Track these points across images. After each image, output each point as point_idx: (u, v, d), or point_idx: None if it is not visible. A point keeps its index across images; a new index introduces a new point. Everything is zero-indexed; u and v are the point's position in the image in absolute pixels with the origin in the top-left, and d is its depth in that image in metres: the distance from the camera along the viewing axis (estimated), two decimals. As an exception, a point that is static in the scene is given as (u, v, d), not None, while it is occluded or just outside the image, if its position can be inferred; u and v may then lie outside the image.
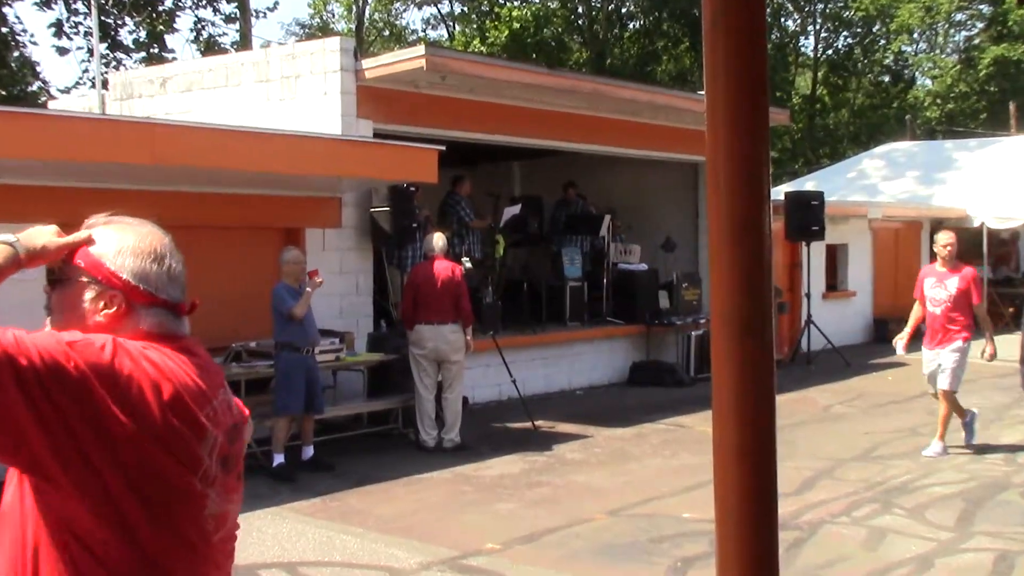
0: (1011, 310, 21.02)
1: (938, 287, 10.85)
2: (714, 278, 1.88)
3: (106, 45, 27.76)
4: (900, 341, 10.82)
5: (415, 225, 12.98)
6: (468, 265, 12.08)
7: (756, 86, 1.86)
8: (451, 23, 44.39)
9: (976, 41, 42.05)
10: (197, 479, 2.11)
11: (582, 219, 17.46)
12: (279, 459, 10.24)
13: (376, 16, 44.66)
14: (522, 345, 14.82)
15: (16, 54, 28.46)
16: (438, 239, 11.72)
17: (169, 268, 2.25)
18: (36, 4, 27.90)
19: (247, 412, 2.45)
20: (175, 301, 2.25)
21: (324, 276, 11.10)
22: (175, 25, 30.84)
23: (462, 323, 11.38)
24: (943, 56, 43.76)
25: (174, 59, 28.11)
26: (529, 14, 39.08)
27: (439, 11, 44.70)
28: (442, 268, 11.42)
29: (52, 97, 26.52)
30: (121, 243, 2.23)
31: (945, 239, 10.96)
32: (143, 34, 29.68)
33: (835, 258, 21.52)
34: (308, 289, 10.16)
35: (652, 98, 15.96)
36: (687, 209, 18.78)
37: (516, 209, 16.46)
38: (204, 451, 2.12)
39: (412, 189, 12.77)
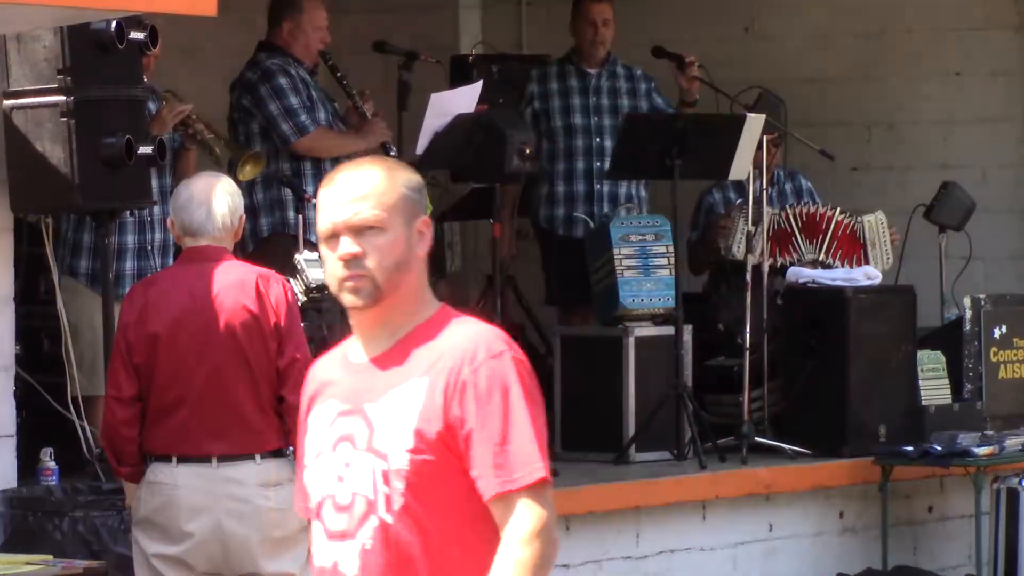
0: None
1: None
2: None
3: None
4: None
5: (152, 151, 4.91)
6: (310, 277, 4.89)
7: None
8: None
9: None
10: None
11: (684, 128, 6.18)
12: None
13: None
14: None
15: None
16: (215, 193, 4.09)
17: None
18: None
19: None
20: None
21: None
22: None
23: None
24: None
25: None
26: None
27: None
28: (227, 284, 4.04)
29: None
30: None
31: None
32: None
33: None
34: None
35: None
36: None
37: (466, 98, 6.08)
38: None
39: (141, 40, 4.85)
